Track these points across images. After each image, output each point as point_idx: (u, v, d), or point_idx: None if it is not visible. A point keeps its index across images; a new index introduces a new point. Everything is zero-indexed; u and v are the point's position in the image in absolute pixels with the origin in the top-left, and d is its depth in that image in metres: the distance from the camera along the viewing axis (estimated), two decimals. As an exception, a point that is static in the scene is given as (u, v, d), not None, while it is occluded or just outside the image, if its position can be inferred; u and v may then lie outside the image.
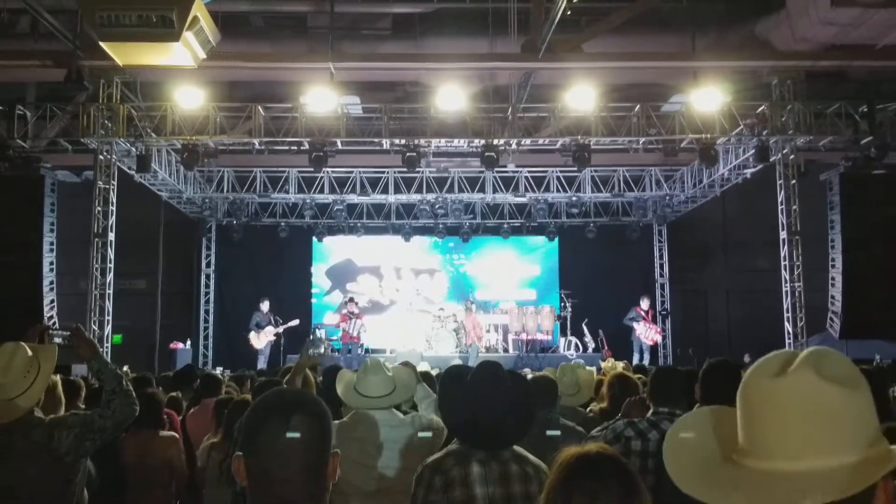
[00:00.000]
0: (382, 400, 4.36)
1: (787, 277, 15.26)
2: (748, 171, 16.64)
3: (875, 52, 13.59)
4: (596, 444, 1.98)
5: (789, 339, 15.15)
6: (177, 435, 5.78)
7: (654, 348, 19.18)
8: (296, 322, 18.63)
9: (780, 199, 15.39)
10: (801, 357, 1.35)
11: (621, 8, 13.36)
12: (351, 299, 19.04)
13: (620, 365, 11.30)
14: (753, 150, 15.26)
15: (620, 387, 5.82)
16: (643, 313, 18.54)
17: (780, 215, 15.42)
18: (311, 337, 15.56)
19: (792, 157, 15.27)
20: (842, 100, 15.04)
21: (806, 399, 1.30)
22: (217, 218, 20.82)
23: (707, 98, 14.10)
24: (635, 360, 17.44)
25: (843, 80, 15.46)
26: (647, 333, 18.37)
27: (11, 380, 3.57)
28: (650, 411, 4.53)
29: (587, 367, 7.93)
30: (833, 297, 15.36)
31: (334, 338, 18.84)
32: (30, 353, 3.71)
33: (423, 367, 10.04)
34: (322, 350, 5.64)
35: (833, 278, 15.40)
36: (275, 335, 18.22)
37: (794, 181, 15.25)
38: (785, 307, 15.34)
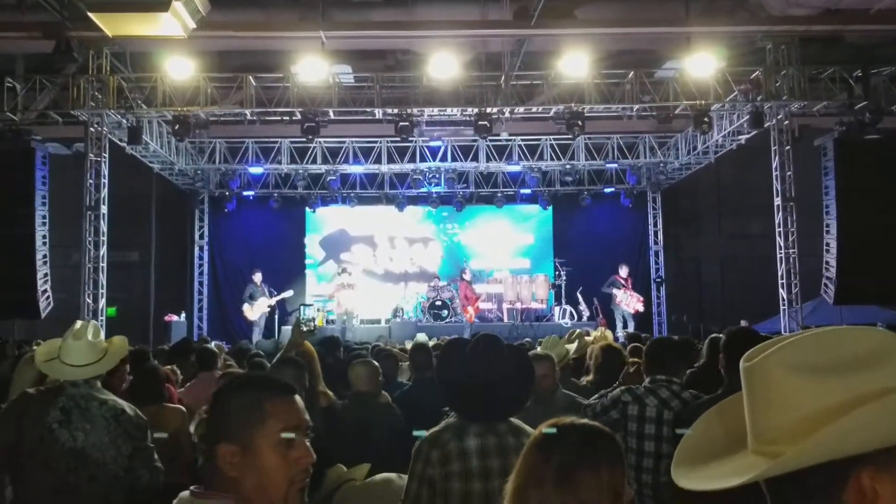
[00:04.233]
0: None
1: (782, 244, 15.24)
2: (742, 138, 16.62)
3: (869, 17, 13.51)
4: (569, 417, 2.00)
5: (784, 305, 15.17)
6: (182, 408, 5.78)
7: (642, 315, 19.12)
8: (289, 293, 18.69)
9: (774, 165, 15.34)
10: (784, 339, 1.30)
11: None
12: (344, 269, 19.03)
13: (610, 335, 11.33)
14: (748, 116, 15.19)
15: (605, 358, 5.85)
16: (622, 281, 18.50)
17: (774, 181, 15.38)
18: (300, 314, 15.63)
19: (786, 122, 15.20)
20: (836, 64, 14.94)
21: (754, 386, 1.26)
22: (209, 189, 20.74)
23: (701, 64, 14.04)
24: (619, 328, 17.47)
25: (838, 45, 15.37)
26: (627, 301, 18.31)
27: (87, 346, 4.01)
28: (648, 379, 4.61)
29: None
30: (827, 262, 15.36)
31: (329, 306, 18.87)
32: (103, 336, 4.20)
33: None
34: (313, 327, 5.88)
35: (828, 244, 15.38)
36: (268, 306, 18.23)
37: (788, 147, 15.19)
38: (779, 273, 15.32)
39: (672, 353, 4.73)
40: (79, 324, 4.18)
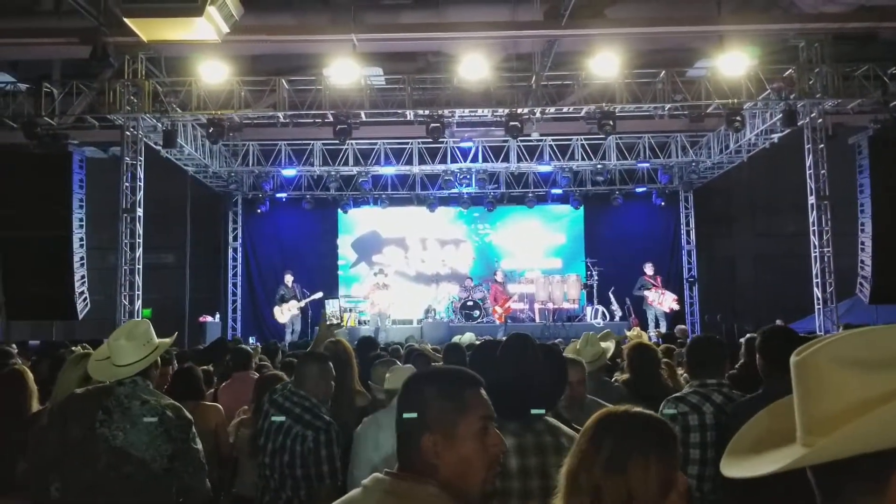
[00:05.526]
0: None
1: (816, 242, 15.11)
2: (775, 136, 16.48)
3: (905, 13, 13.37)
4: (624, 406, 2.03)
5: (818, 304, 15.03)
6: (220, 406, 5.87)
7: (675, 315, 18.97)
8: (318, 295, 18.72)
9: (808, 164, 15.22)
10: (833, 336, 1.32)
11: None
12: (381, 270, 19.13)
13: (645, 336, 11.27)
14: (780, 115, 15.07)
15: (639, 357, 5.79)
16: (650, 280, 18.36)
17: (808, 180, 15.25)
18: (327, 310, 15.65)
19: (820, 120, 15.08)
20: (870, 61, 14.78)
21: (803, 379, 1.29)
22: (243, 191, 20.93)
23: (733, 62, 13.95)
24: (651, 328, 17.39)
25: (872, 42, 15.21)
26: (661, 300, 18.13)
27: (129, 345, 4.00)
28: (696, 383, 4.43)
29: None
30: (863, 261, 15.21)
31: (362, 307, 18.97)
32: (153, 333, 4.14)
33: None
34: (339, 321, 5.93)
35: (863, 242, 15.24)
36: (298, 309, 18.26)
37: (822, 145, 15.07)
38: (814, 272, 15.20)
39: (718, 353, 4.55)
40: (125, 325, 4.25)
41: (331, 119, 15.25)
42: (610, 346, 6.41)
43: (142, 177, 15.17)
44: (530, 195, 20.58)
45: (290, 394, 4.50)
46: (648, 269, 18.44)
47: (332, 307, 17.66)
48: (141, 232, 15.16)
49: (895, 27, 14.00)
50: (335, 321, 16.50)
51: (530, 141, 18.63)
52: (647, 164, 19.74)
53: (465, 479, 1.91)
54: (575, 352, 5.63)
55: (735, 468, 1.36)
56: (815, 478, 1.26)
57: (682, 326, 16.36)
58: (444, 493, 1.88)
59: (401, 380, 4.51)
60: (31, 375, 4.83)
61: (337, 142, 16.64)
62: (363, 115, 15.57)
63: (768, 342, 4.12)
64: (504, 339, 3.59)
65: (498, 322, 17.79)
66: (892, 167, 14.85)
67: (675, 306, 18.43)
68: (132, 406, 3.91)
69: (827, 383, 1.24)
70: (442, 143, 18.06)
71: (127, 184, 15.03)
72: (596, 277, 18.95)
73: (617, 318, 18.19)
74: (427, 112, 15.31)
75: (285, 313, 18.16)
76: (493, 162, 19.15)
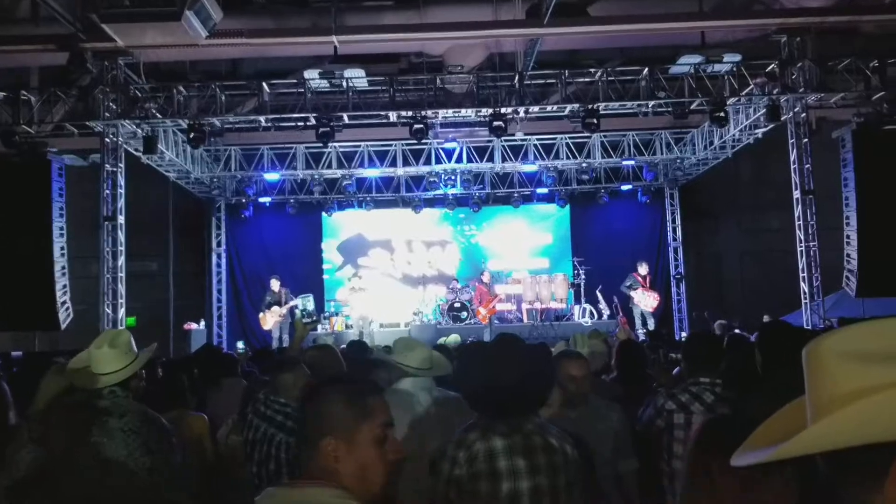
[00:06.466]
0: (427, 372, 4.49)
1: (802, 237, 15.15)
2: (760, 131, 16.51)
3: (885, 6, 13.43)
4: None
5: (805, 298, 15.06)
6: (204, 415, 5.79)
7: (662, 313, 18.98)
8: (298, 300, 18.50)
9: (792, 159, 15.24)
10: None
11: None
12: (355, 274, 19.05)
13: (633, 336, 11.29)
14: (764, 110, 15.10)
15: (626, 354, 5.76)
16: (641, 279, 18.33)
17: (792, 174, 15.28)
18: (301, 308, 15.55)
19: (803, 115, 15.09)
20: (852, 56, 14.82)
21: (809, 370, 1.25)
22: (226, 196, 20.80)
23: (716, 58, 13.96)
24: (638, 326, 17.44)
25: (854, 36, 15.26)
26: (645, 301, 18.14)
27: (112, 353, 3.95)
28: (689, 381, 4.39)
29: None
30: (849, 255, 15.23)
31: (345, 311, 18.87)
32: (134, 343, 4.09)
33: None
34: (316, 318, 5.96)
35: (848, 236, 15.26)
36: (280, 315, 18.05)
37: (805, 140, 15.10)
38: (800, 267, 15.24)
39: (713, 350, 4.49)
40: (107, 332, 4.18)
41: (313, 122, 15.15)
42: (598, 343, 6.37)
43: (122, 184, 15.00)
44: (516, 195, 20.52)
45: (271, 402, 4.50)
46: (642, 268, 18.33)
47: (307, 304, 17.46)
48: (123, 240, 15.00)
49: (876, 21, 14.06)
50: (314, 318, 16.43)
51: (515, 141, 18.61)
52: (633, 162, 19.72)
53: (364, 484, 1.95)
54: None
55: (742, 458, 1.34)
56: (825, 472, 1.23)
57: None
58: (345, 494, 1.90)
59: (412, 350, 4.51)
60: (6, 387, 4.71)
61: (320, 145, 16.56)
62: (346, 118, 15.47)
63: (768, 337, 4.09)
64: (489, 340, 3.56)
65: (482, 323, 17.74)
66: (875, 160, 14.89)
67: (655, 303, 18.34)
68: (109, 419, 3.82)
69: (826, 374, 1.21)
70: (426, 144, 17.97)
71: (108, 191, 14.86)
72: (583, 276, 18.93)
73: (605, 317, 18.19)
74: (410, 113, 15.23)
75: (269, 319, 17.98)
76: (477, 162, 19.09)
